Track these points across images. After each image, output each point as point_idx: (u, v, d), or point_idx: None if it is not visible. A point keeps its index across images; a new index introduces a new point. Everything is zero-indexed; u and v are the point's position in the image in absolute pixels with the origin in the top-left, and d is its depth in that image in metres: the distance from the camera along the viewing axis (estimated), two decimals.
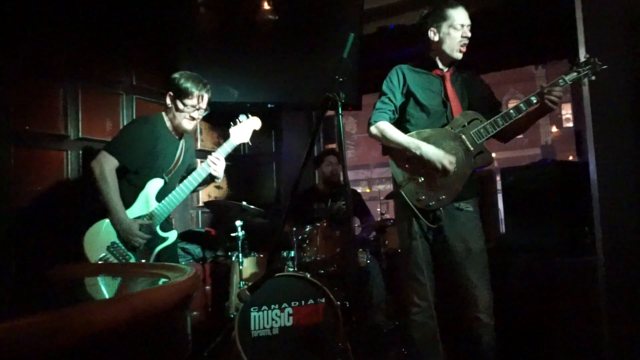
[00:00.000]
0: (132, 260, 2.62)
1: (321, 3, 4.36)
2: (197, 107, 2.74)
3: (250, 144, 3.06)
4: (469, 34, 2.53)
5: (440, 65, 2.62)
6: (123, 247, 2.61)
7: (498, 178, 4.53)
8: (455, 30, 2.50)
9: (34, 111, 3.26)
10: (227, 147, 2.92)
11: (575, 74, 2.42)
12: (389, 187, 19.96)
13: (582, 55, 2.60)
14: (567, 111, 21.46)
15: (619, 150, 2.78)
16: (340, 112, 1.98)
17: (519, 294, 3.49)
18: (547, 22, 4.29)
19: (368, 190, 22.44)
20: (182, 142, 2.87)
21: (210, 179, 2.89)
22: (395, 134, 2.51)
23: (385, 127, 2.55)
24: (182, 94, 2.70)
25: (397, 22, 4.70)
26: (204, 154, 4.22)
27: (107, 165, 2.58)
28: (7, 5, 3.10)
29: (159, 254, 2.72)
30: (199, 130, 4.62)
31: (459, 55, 2.55)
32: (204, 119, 4.64)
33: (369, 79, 4.36)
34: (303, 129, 5.30)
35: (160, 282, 1.05)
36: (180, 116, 2.74)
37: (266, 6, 4.18)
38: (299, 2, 4.32)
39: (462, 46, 2.53)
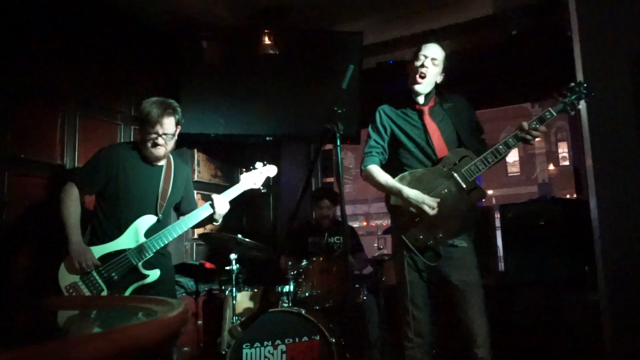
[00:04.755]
0: (105, 292, 2.54)
1: (321, 38, 4.42)
2: (160, 134, 2.63)
3: (262, 189, 2.99)
4: (428, 67, 2.55)
5: (417, 100, 2.64)
6: (98, 278, 2.54)
7: (497, 215, 4.50)
8: (416, 60, 2.57)
9: (32, 138, 3.25)
10: (233, 192, 2.85)
11: (561, 105, 2.44)
12: (387, 221, 19.88)
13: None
14: (563, 149, 21.64)
15: (619, 188, 2.76)
16: (338, 143, 1.96)
17: (520, 331, 3.42)
18: (545, 60, 4.33)
19: (365, 224, 22.37)
20: (161, 171, 2.77)
21: (208, 220, 2.81)
22: (381, 179, 2.55)
23: (374, 172, 2.59)
24: (144, 122, 2.63)
25: (396, 57, 4.75)
26: (200, 186, 4.20)
27: (68, 191, 2.61)
28: (8, 32, 3.13)
29: (137, 292, 2.60)
30: (196, 162, 4.60)
31: (418, 88, 2.58)
32: (201, 150, 4.67)
33: (368, 113, 4.36)
34: (301, 161, 5.28)
35: (147, 317, 1.00)
36: (147, 144, 2.66)
37: (267, 41, 4.23)
38: (300, 37, 4.37)
39: (418, 76, 2.56)
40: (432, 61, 2.56)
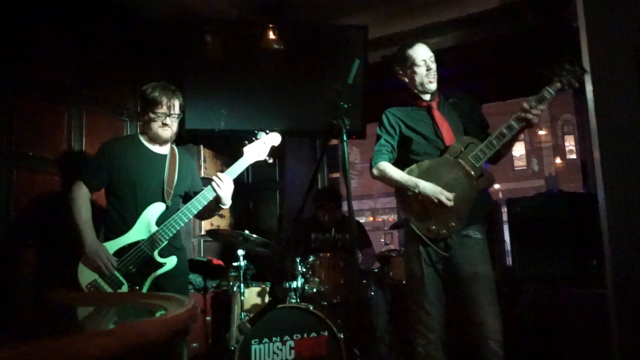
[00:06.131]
0: (125, 286, 2.56)
1: (326, 32, 4.40)
2: (169, 113, 2.69)
3: (268, 160, 2.94)
4: (433, 65, 2.63)
5: (423, 97, 2.69)
6: (116, 273, 2.56)
7: (504, 209, 4.48)
8: (418, 67, 2.62)
9: (38, 135, 3.26)
10: (238, 167, 2.80)
11: (558, 83, 2.45)
12: (393, 217, 19.86)
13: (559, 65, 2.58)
14: (570, 142, 21.50)
15: (628, 181, 2.74)
16: (345, 138, 1.95)
17: (527, 325, 3.41)
18: (551, 52, 4.30)
19: (371, 219, 22.36)
20: (166, 159, 2.77)
21: (216, 204, 2.77)
22: (394, 174, 2.58)
23: (385, 168, 2.62)
24: (151, 104, 2.66)
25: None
26: (206, 182, 4.21)
27: (77, 191, 2.64)
28: (14, 29, 3.14)
29: (157, 281, 2.62)
30: (202, 158, 4.61)
31: (433, 87, 2.65)
32: (207, 146, 4.68)
33: (374, 107, 4.35)
34: (306, 156, 5.28)
35: (157, 314, 1.00)
36: (153, 125, 2.69)
37: (271, 35, 4.21)
38: (304, 32, 4.36)
39: (431, 77, 2.63)
40: (430, 60, 2.63)
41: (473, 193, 2.48)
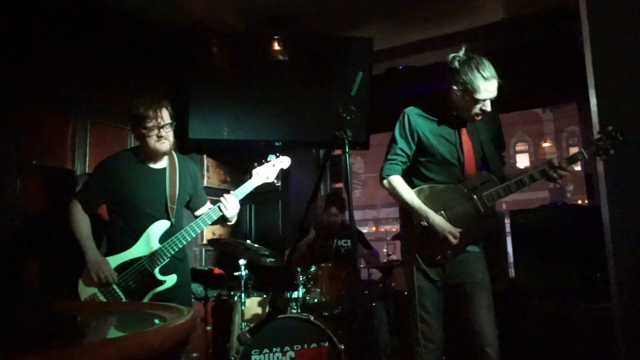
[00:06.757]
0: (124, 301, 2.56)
1: (331, 44, 4.42)
2: (160, 125, 2.62)
3: (276, 183, 2.95)
4: (489, 109, 2.44)
5: (457, 114, 2.54)
6: (116, 288, 2.56)
7: (507, 220, 4.46)
8: (476, 104, 2.42)
9: (43, 144, 3.27)
10: (245, 188, 2.81)
11: (594, 147, 2.40)
12: (396, 227, 19.80)
13: (600, 129, 2.54)
14: None
15: (632, 194, 2.72)
16: (347, 150, 1.96)
17: (531, 339, 3.39)
18: (555, 65, 4.31)
19: (374, 229, 22.30)
20: (165, 173, 2.75)
21: (222, 219, 2.78)
22: (406, 195, 2.51)
23: (398, 185, 2.54)
24: (140, 120, 2.60)
25: (406, 63, 4.75)
26: (210, 191, 4.22)
27: (74, 209, 2.66)
28: (20, 39, 3.16)
29: (156, 298, 2.61)
30: (205, 167, 4.61)
31: (471, 120, 2.52)
32: (210, 155, 4.68)
33: (378, 118, 4.36)
34: (310, 166, 5.28)
35: (156, 323, 1.00)
36: (150, 141, 2.63)
37: (277, 47, 4.24)
38: (309, 43, 4.38)
39: (477, 116, 2.47)
40: (490, 100, 2.44)
41: (477, 231, 2.48)
